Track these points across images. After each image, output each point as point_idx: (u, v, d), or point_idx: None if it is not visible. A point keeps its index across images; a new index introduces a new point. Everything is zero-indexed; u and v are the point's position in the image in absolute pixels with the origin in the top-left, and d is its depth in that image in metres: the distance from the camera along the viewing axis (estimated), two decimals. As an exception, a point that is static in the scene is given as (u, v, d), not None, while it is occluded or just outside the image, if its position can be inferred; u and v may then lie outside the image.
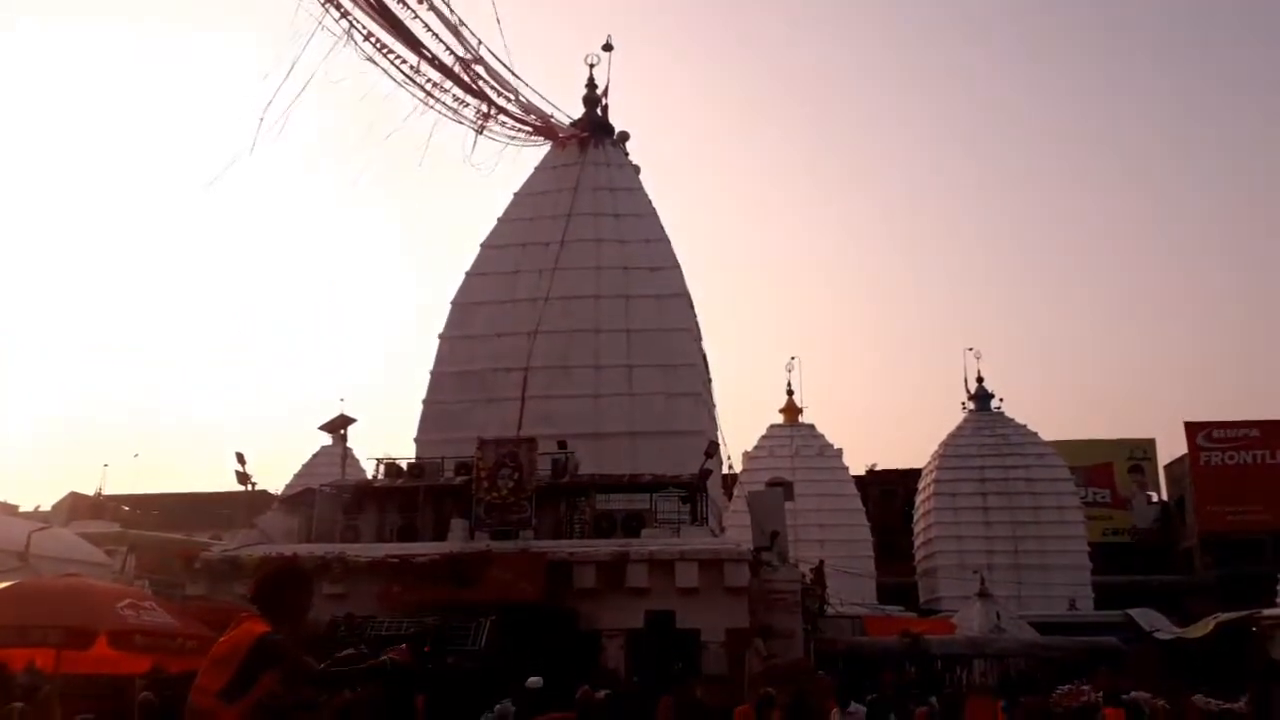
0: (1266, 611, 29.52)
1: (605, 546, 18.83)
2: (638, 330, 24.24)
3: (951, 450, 41.65)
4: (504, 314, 24.48)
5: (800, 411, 43.25)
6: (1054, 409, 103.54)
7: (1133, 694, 15.73)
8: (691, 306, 25.64)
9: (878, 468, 53.95)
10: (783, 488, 24.00)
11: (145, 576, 18.41)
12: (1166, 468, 51.28)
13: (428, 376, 24.38)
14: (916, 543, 43.05)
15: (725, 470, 30.60)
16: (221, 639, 3.73)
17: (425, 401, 24.23)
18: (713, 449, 20.77)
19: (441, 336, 24.72)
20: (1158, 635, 31.53)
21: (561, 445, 21.63)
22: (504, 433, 21.29)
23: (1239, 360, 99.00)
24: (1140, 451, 52.14)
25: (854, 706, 10.92)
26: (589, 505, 21.07)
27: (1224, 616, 31.05)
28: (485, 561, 17.83)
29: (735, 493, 35.62)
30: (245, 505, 24.74)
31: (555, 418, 22.55)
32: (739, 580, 18.07)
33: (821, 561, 27.92)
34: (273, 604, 3.78)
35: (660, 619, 17.95)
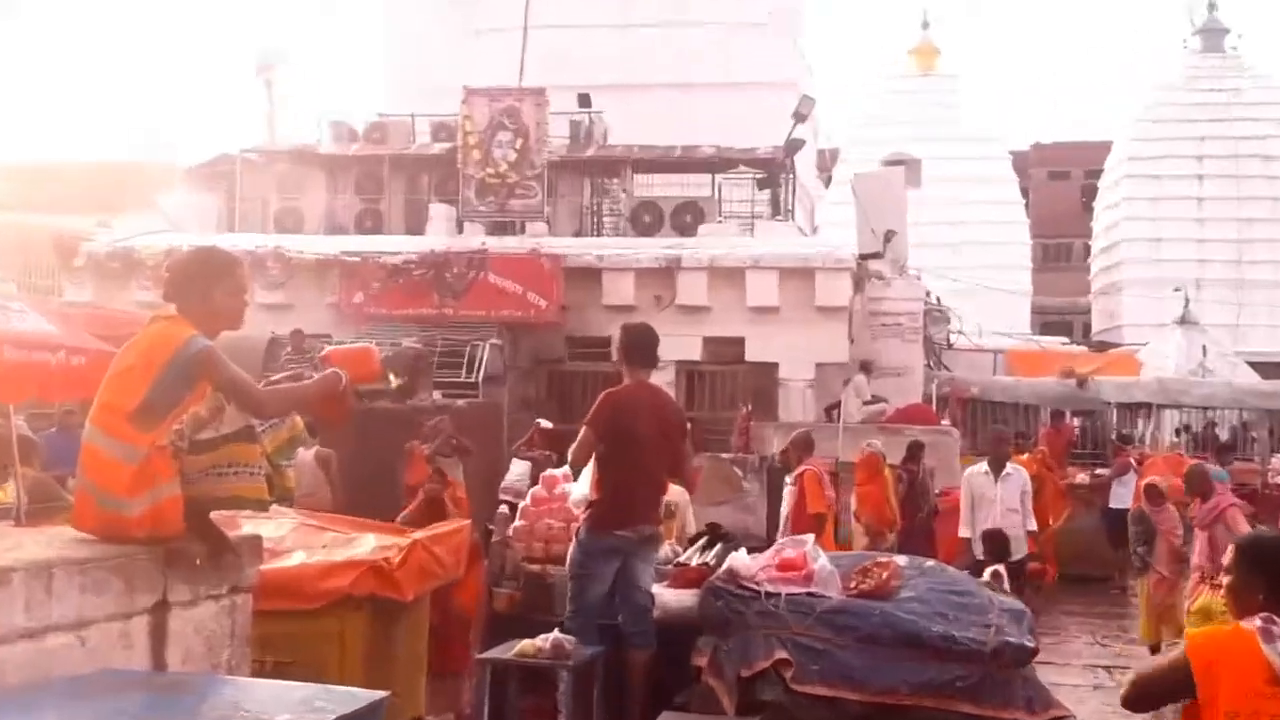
0: None
1: (648, 248, 19.07)
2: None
3: (1159, 112, 40.56)
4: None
5: (937, 55, 42.02)
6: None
7: None
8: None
9: (1044, 141, 53.12)
10: (904, 167, 23.74)
11: (6, 279, 18.95)
12: None
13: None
14: (1095, 247, 43.09)
15: (823, 143, 30.27)
16: (128, 345, 3.86)
17: (388, 37, 23.80)
18: (806, 108, 20.39)
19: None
20: None
21: (584, 101, 21.36)
22: (500, 81, 21.02)
23: None
24: None
25: (1011, 469, 11.43)
26: (624, 189, 21.15)
27: None
28: (480, 264, 18.21)
29: (835, 175, 35.49)
30: (141, 179, 24.91)
31: (573, 61, 22.12)
32: (836, 297, 18.36)
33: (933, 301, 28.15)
34: (193, 301, 3.86)
35: (724, 348, 18.49)
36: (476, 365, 17.15)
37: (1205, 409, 25.81)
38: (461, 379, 16.91)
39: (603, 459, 6.33)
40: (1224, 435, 24.47)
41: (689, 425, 7.11)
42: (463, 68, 21.22)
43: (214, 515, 3.84)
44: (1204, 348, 28.78)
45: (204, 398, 3.80)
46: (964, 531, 11.51)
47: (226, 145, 22.26)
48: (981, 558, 10.44)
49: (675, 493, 9.12)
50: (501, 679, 5.96)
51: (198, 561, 3.75)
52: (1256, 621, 3.67)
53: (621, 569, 6.23)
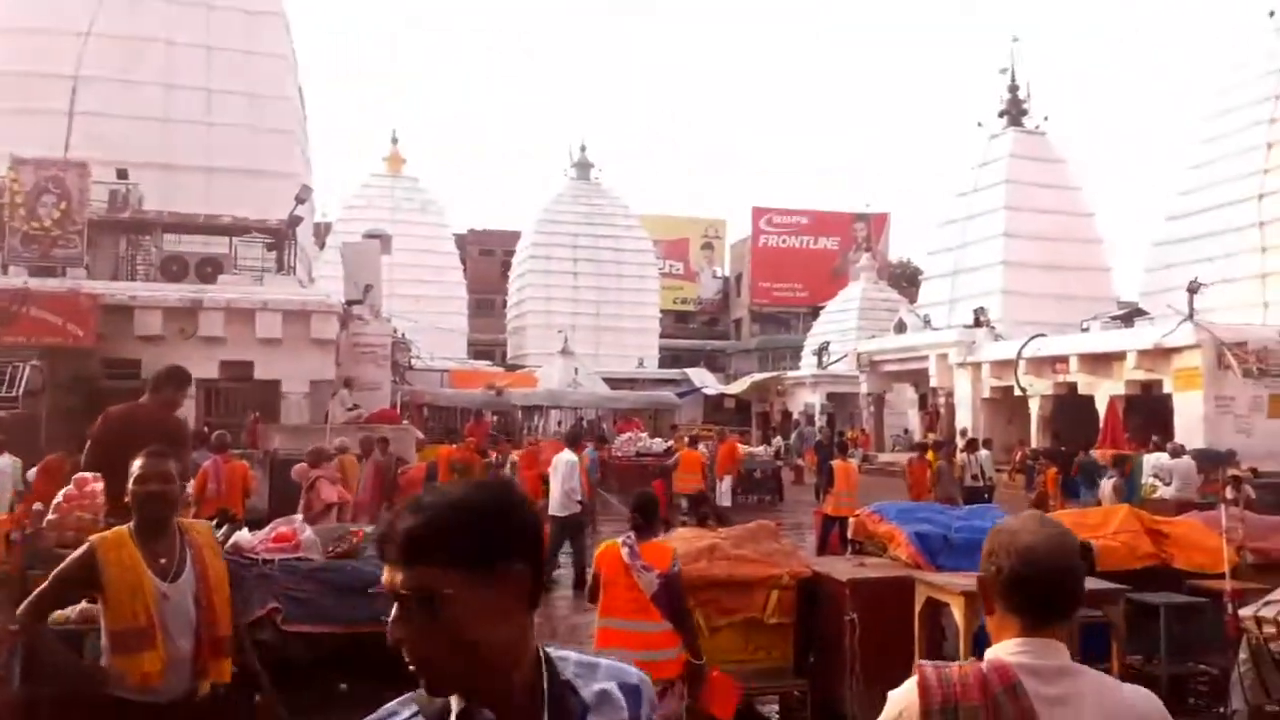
0: (789, 374, 35.64)
1: (175, 292, 17.35)
2: (221, 49, 21.43)
3: (550, 215, 43.30)
4: (47, 4, 20.26)
5: (404, 163, 41.97)
6: (646, 184, 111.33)
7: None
8: (288, 31, 23.07)
9: (479, 228, 54.73)
10: (379, 240, 23.47)
11: None
12: (732, 247, 57.92)
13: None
14: (510, 302, 45.01)
15: (319, 218, 29.15)
16: None
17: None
18: (305, 194, 19.52)
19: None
20: (705, 391, 36.87)
21: (122, 174, 19.08)
22: (48, 153, 18.19)
23: (803, 157, 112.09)
24: (713, 230, 58.11)
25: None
26: (155, 245, 19.12)
27: (757, 376, 37.04)
28: (23, 300, 15.66)
29: (329, 242, 34.27)
30: None
31: (114, 141, 19.61)
32: (326, 332, 17.75)
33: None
34: None
35: (237, 369, 17.25)
36: (18, 382, 14.75)
37: (576, 408, 27.80)
38: (2, 394, 14.49)
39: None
40: (585, 426, 26.41)
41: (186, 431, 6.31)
42: (13, 140, 18.07)
43: None
44: (576, 369, 30.93)
45: None
46: None
47: None
48: None
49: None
50: (33, 644, 5.13)
51: None
52: (621, 539, 4.65)
53: None
